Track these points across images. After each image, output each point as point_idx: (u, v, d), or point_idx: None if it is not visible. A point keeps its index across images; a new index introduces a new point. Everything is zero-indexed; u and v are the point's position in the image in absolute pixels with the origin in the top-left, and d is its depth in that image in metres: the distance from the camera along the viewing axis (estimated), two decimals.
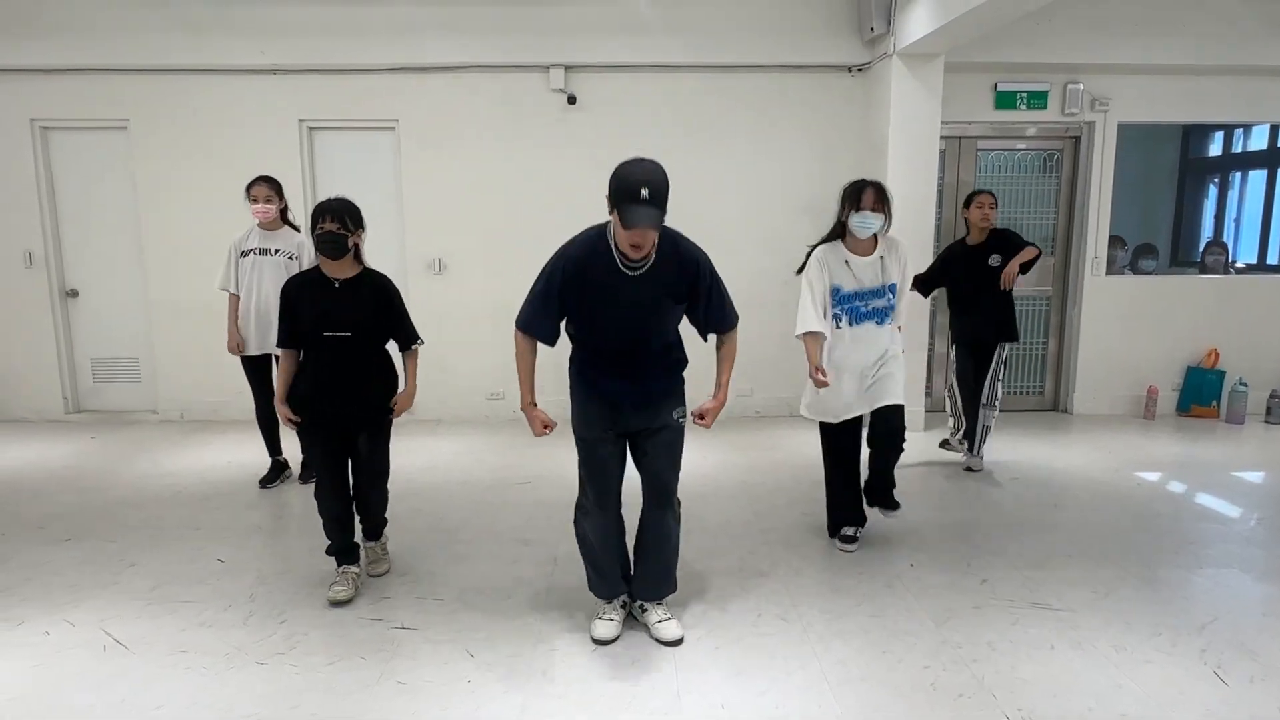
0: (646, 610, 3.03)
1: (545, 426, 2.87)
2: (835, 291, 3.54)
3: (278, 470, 4.76)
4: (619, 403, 2.83)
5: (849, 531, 3.79)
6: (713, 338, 2.98)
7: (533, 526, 4.09)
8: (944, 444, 5.12)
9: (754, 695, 2.61)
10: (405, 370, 3.41)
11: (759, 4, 5.87)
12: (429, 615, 3.16)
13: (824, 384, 3.44)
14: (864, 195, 3.44)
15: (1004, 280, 4.56)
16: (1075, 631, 3.00)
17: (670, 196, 2.57)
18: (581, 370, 2.89)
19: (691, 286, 2.78)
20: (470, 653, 2.88)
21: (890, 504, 3.79)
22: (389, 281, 3.36)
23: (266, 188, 4.44)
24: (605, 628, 2.96)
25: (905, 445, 3.69)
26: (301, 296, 3.21)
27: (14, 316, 6.22)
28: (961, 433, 4.93)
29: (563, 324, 2.86)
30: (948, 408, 5.01)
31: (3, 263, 6.15)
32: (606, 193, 2.59)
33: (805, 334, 3.49)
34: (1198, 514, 4.28)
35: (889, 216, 3.51)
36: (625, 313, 2.73)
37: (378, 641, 2.96)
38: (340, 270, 3.22)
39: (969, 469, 4.92)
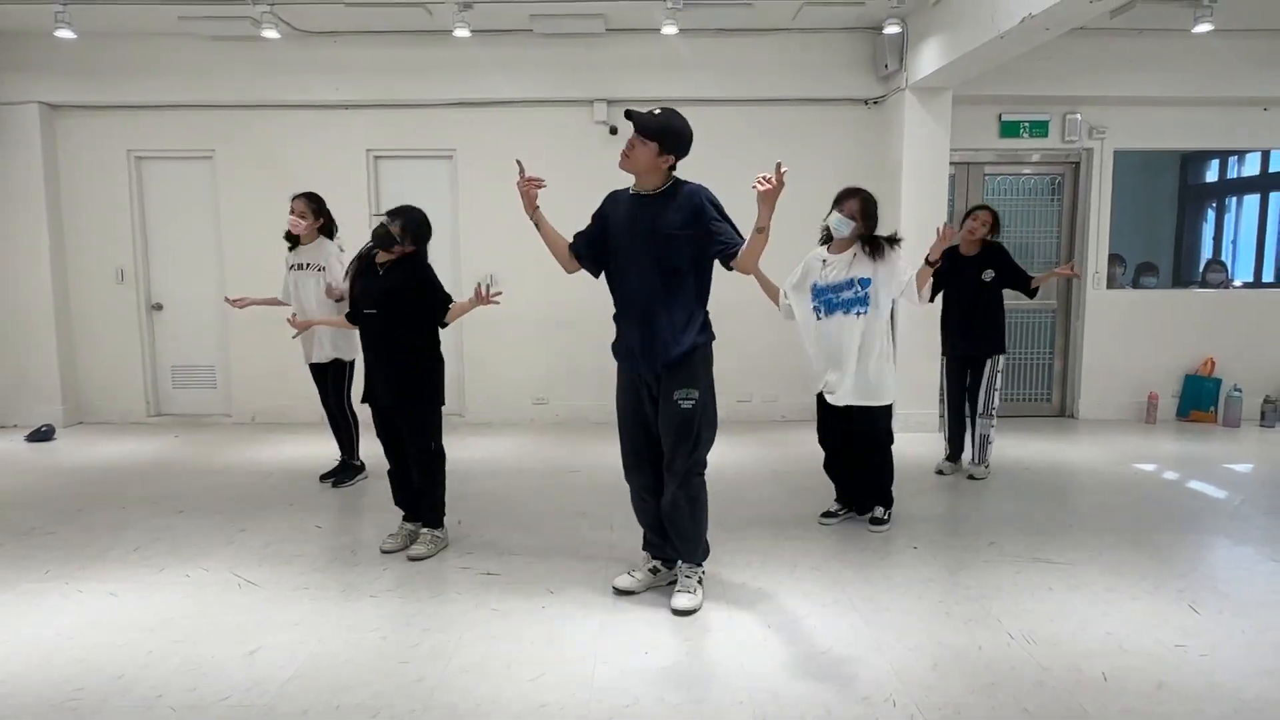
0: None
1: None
2: (814, 287, 3.92)
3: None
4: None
5: (828, 509, 4.24)
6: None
7: (587, 503, 4.59)
8: (939, 472, 5.14)
9: (796, 619, 3.08)
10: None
11: (784, 43, 6.48)
12: (509, 565, 3.66)
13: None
14: (846, 202, 3.87)
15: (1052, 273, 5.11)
16: (1072, 579, 3.46)
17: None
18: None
19: (696, 214, 3.08)
20: (550, 589, 3.37)
21: (869, 513, 4.13)
22: (428, 267, 3.77)
23: (303, 203, 4.81)
24: (624, 580, 3.36)
25: (886, 448, 4.07)
26: (357, 273, 3.78)
27: (105, 327, 6.84)
28: (945, 456, 5.13)
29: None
30: (941, 429, 5.02)
31: (97, 279, 6.79)
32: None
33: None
34: (1190, 495, 4.72)
35: (866, 226, 3.86)
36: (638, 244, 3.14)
37: (469, 583, 3.46)
38: (387, 259, 3.70)
39: (971, 476, 4.98)
